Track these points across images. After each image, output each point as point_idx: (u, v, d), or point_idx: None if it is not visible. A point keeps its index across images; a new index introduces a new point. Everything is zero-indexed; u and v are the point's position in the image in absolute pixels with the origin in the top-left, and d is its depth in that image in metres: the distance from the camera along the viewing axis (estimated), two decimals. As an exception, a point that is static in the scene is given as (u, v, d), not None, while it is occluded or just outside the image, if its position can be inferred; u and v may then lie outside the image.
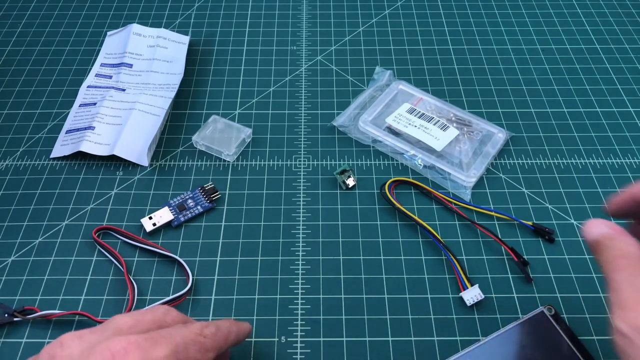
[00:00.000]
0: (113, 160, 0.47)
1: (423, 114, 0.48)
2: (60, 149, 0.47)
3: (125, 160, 0.46)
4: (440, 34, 0.58)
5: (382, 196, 0.43)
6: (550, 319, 0.36)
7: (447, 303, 0.38)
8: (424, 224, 0.41)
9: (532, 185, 0.45)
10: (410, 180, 0.44)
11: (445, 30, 0.59)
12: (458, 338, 0.36)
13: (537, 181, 0.45)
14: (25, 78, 0.54)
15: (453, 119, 0.49)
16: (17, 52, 0.57)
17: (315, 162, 0.47)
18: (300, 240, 0.41)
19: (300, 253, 0.41)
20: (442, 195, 0.43)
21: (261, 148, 0.48)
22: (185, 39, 0.56)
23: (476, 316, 0.37)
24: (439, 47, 0.57)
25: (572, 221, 0.42)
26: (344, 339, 0.36)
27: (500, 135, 0.47)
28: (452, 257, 0.39)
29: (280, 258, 0.40)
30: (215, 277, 0.39)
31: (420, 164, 0.46)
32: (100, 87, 0.52)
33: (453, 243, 0.41)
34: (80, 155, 0.47)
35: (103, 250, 0.41)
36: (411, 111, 0.48)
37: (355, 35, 0.58)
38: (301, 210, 0.43)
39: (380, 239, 0.41)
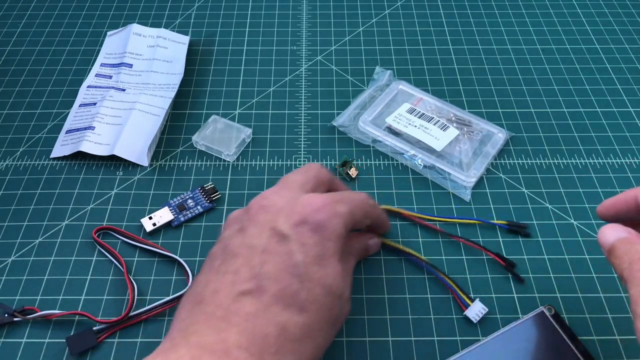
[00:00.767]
0: (113, 160, 0.47)
1: (423, 114, 0.48)
2: (60, 149, 0.48)
3: (125, 160, 0.46)
4: (440, 34, 0.58)
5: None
6: (550, 319, 0.36)
7: (448, 306, 0.38)
8: (407, 250, 0.40)
9: (532, 185, 0.45)
10: (385, 207, 0.42)
11: (445, 30, 0.59)
12: (458, 338, 0.36)
13: (537, 181, 0.45)
14: (25, 78, 0.54)
15: (453, 119, 0.49)
16: (17, 52, 0.57)
17: (315, 162, 0.46)
18: (300, 240, 0.41)
19: (300, 253, 0.41)
20: (413, 214, 0.42)
21: (261, 148, 0.48)
22: (185, 39, 0.56)
23: (476, 316, 0.37)
24: (439, 47, 0.57)
25: (572, 221, 0.42)
26: (344, 339, 0.36)
27: (500, 135, 0.47)
28: (444, 276, 0.38)
29: (280, 258, 0.40)
30: (215, 277, 0.39)
31: (420, 164, 0.46)
32: (100, 87, 0.52)
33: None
34: (80, 155, 0.47)
35: (103, 250, 0.41)
36: (411, 111, 0.48)
37: (355, 35, 0.58)
38: (301, 210, 0.43)
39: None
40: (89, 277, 0.39)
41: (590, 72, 0.54)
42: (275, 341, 0.27)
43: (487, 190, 0.44)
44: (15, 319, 0.36)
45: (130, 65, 0.54)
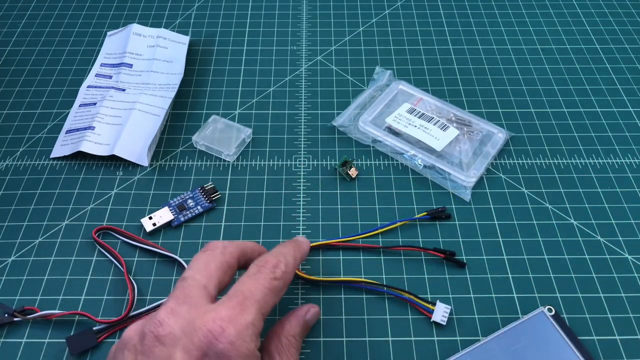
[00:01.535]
0: (113, 160, 0.47)
1: (423, 114, 0.48)
2: (60, 149, 0.48)
3: (125, 160, 0.46)
4: (440, 34, 0.58)
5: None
6: (550, 319, 0.36)
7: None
8: (358, 280, 0.38)
9: (532, 185, 0.45)
10: (322, 242, 0.41)
11: (445, 30, 0.59)
12: (458, 338, 0.36)
13: (537, 181, 0.45)
14: (25, 78, 0.54)
15: (453, 119, 0.49)
16: (17, 52, 0.57)
17: (315, 162, 0.47)
18: (300, 240, 0.41)
19: (300, 253, 0.41)
20: (339, 240, 0.41)
21: (261, 148, 0.48)
22: (185, 39, 0.56)
23: (476, 316, 0.37)
24: (439, 47, 0.57)
25: (573, 221, 0.42)
26: (344, 339, 0.36)
27: (500, 135, 0.47)
28: (396, 291, 0.38)
29: (280, 258, 0.40)
30: (215, 277, 0.39)
31: (420, 164, 0.46)
32: (100, 87, 0.52)
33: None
34: (80, 155, 0.47)
35: (103, 250, 0.41)
36: (411, 111, 0.48)
37: (355, 35, 0.58)
38: (301, 211, 0.43)
39: (380, 239, 0.41)
40: (89, 277, 0.39)
41: (590, 72, 0.54)
42: None
43: (487, 190, 0.44)
44: (15, 319, 0.36)
45: (130, 65, 0.54)
